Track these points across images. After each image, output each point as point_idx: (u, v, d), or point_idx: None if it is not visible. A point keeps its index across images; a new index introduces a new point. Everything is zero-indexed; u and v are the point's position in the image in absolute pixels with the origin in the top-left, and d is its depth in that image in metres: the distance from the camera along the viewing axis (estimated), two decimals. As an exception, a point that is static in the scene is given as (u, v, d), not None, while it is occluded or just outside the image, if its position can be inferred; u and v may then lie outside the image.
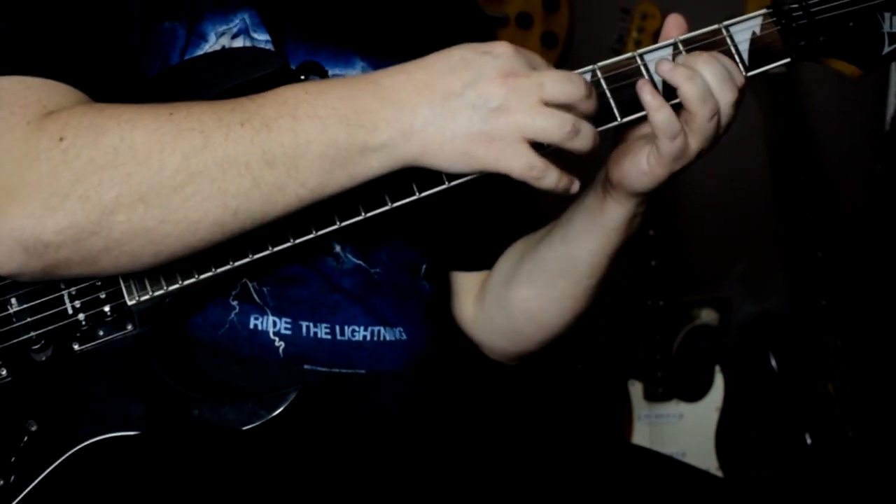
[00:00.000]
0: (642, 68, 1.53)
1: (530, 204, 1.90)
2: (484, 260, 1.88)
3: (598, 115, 1.49)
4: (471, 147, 1.38)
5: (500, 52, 1.40)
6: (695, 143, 1.52)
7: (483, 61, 1.39)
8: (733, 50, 1.55)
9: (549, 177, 1.40)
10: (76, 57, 1.46)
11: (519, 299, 1.81)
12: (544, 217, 1.86)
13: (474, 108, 1.37)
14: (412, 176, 1.47)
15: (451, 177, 1.48)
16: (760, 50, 1.57)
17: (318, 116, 1.38)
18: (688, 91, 1.48)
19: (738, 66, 1.54)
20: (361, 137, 1.38)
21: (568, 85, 1.39)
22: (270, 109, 1.39)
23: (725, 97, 1.50)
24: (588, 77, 1.51)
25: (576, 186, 1.44)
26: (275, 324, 1.58)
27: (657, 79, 1.52)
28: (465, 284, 1.90)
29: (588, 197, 1.68)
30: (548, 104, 1.38)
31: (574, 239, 1.71)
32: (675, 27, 1.56)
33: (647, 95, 1.49)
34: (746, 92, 1.54)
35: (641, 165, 1.56)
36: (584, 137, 1.40)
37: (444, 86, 1.39)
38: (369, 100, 1.39)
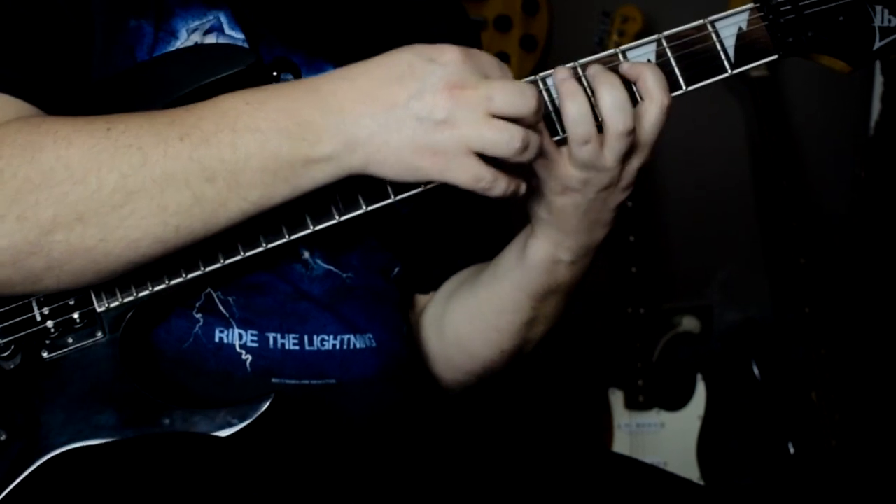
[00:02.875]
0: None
1: (493, 232, 1.88)
2: (434, 282, 1.88)
3: None
4: (416, 159, 1.38)
5: (448, 61, 1.38)
6: (610, 155, 1.50)
7: (429, 70, 1.37)
8: (719, 46, 1.55)
9: (498, 186, 1.40)
10: (22, 64, 1.46)
11: (451, 323, 1.81)
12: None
13: (419, 120, 1.36)
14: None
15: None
16: (747, 46, 1.56)
17: (259, 130, 1.38)
18: (567, 109, 1.47)
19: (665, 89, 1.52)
20: (304, 150, 1.38)
21: (518, 99, 1.38)
22: (209, 122, 1.38)
23: (615, 127, 1.48)
24: (569, 74, 1.51)
25: (523, 188, 1.44)
26: (241, 336, 1.57)
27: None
28: (417, 302, 1.90)
29: (521, 233, 1.68)
30: (496, 117, 1.37)
31: (502, 272, 1.72)
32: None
33: (561, 78, 1.49)
34: (658, 126, 1.53)
35: (553, 189, 1.56)
36: (532, 150, 1.39)
37: (389, 96, 1.38)
38: (311, 110, 1.39)
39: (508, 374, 1.85)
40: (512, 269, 1.69)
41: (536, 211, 1.59)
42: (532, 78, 1.51)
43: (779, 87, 3.98)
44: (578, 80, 1.49)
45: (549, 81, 1.51)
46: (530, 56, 3.82)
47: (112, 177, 1.36)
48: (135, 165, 1.36)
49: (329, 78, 1.42)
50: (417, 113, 1.36)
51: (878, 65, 3.95)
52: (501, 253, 1.73)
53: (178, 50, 1.57)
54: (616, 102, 1.47)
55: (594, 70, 1.50)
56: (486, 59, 1.42)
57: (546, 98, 1.50)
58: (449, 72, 1.37)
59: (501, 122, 1.37)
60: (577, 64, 1.51)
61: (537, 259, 1.65)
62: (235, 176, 1.37)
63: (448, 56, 1.38)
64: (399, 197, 1.48)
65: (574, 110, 1.47)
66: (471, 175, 1.38)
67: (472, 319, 1.77)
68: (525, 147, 1.37)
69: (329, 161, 1.39)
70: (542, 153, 1.44)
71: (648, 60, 1.54)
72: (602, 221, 1.60)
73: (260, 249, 1.50)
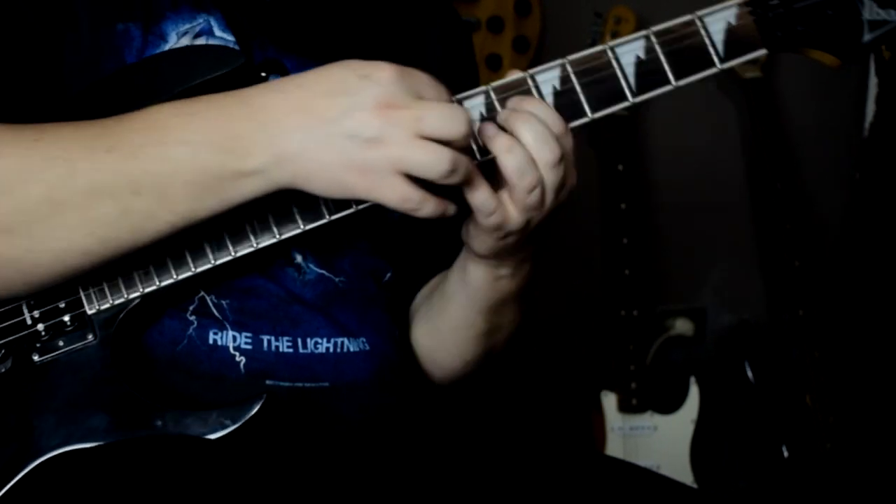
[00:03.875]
0: (613, 62, 1.53)
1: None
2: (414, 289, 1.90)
3: (569, 112, 1.51)
4: (344, 176, 1.38)
5: (381, 78, 1.38)
6: (517, 214, 1.49)
7: (361, 87, 1.37)
8: (707, 41, 1.55)
9: (426, 207, 1.40)
10: None
11: (416, 333, 1.83)
12: None
13: (349, 138, 1.36)
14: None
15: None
16: (736, 41, 1.56)
17: (188, 143, 1.38)
18: (506, 163, 1.45)
19: (557, 116, 1.50)
20: (233, 164, 1.38)
21: (448, 123, 1.38)
22: (138, 135, 1.39)
23: (544, 156, 1.46)
24: (557, 72, 1.52)
25: (451, 209, 1.43)
26: (234, 338, 1.58)
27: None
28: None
29: (461, 255, 1.69)
30: (426, 138, 1.37)
31: (449, 294, 1.73)
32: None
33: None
34: (571, 150, 1.50)
35: (470, 232, 1.56)
36: (460, 174, 1.39)
37: (320, 110, 1.38)
38: (242, 123, 1.39)
39: (501, 378, 1.86)
40: (457, 291, 1.71)
41: (468, 241, 1.59)
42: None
43: (773, 89, 3.99)
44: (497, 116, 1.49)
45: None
46: (523, 57, 3.83)
47: (38, 189, 1.37)
48: (62, 177, 1.37)
49: (262, 90, 1.42)
50: (347, 130, 1.36)
51: (872, 66, 3.95)
52: (448, 273, 1.74)
53: (165, 52, 1.58)
54: (540, 136, 1.46)
55: (505, 114, 1.49)
56: (422, 79, 1.42)
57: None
58: (381, 90, 1.37)
59: (431, 144, 1.37)
60: (565, 61, 1.52)
61: (479, 281, 1.66)
62: (163, 189, 1.38)
63: (382, 73, 1.38)
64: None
65: (512, 163, 1.45)
66: (398, 195, 1.38)
67: (431, 335, 1.80)
68: (453, 170, 1.38)
69: (258, 175, 1.39)
70: (469, 179, 1.43)
71: (637, 56, 1.54)
72: (535, 237, 1.59)
73: (250, 249, 1.51)
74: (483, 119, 1.50)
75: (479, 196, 1.46)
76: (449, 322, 1.75)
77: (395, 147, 1.36)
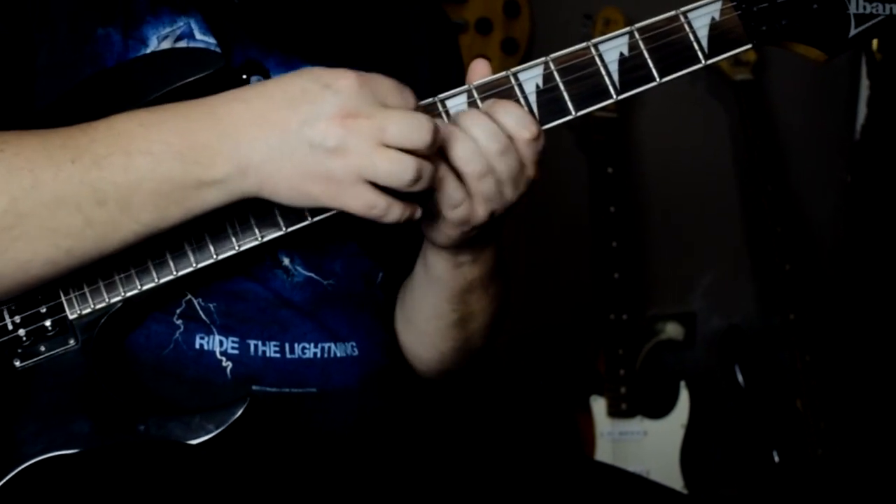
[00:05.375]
0: (596, 58, 1.54)
1: None
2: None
3: (552, 109, 1.51)
4: (308, 185, 1.39)
5: (343, 87, 1.38)
6: (480, 207, 1.49)
7: (323, 96, 1.38)
8: (692, 37, 1.56)
9: (392, 213, 1.41)
10: None
11: (398, 328, 1.83)
12: None
13: (311, 147, 1.37)
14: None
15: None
16: (720, 36, 1.57)
17: (152, 153, 1.39)
18: (453, 152, 1.46)
19: (531, 115, 1.51)
20: (197, 173, 1.39)
21: (412, 131, 1.38)
22: (101, 145, 1.39)
23: (491, 147, 1.46)
24: (540, 70, 1.52)
25: (418, 213, 1.45)
26: (221, 343, 1.58)
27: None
28: None
29: (423, 246, 1.69)
30: (390, 147, 1.38)
31: (417, 285, 1.74)
32: (478, 72, 1.55)
33: None
34: (542, 143, 1.50)
35: (432, 224, 1.56)
36: (424, 182, 1.40)
37: (282, 120, 1.38)
38: (205, 133, 1.40)
39: (490, 382, 1.86)
40: (422, 282, 1.72)
41: (427, 232, 1.60)
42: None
43: (764, 91, 4.00)
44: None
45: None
46: (511, 59, 3.83)
47: (2, 200, 1.38)
48: (25, 188, 1.38)
49: (225, 99, 1.43)
50: (310, 139, 1.37)
51: (864, 68, 3.97)
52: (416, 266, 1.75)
53: (145, 55, 1.58)
54: (487, 130, 1.47)
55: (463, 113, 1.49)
56: (386, 86, 1.42)
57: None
58: (343, 99, 1.38)
59: (394, 153, 1.38)
60: (548, 59, 1.53)
61: (440, 270, 1.66)
62: (127, 199, 1.39)
63: (343, 82, 1.39)
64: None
65: (460, 151, 1.46)
66: (363, 203, 1.39)
67: (407, 328, 1.80)
68: (417, 179, 1.39)
69: (222, 184, 1.40)
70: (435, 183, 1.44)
71: (621, 53, 1.55)
72: (495, 227, 1.60)
73: (232, 252, 1.51)
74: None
75: (448, 188, 1.47)
76: (420, 314, 1.76)
77: (357, 156, 1.37)
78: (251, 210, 1.49)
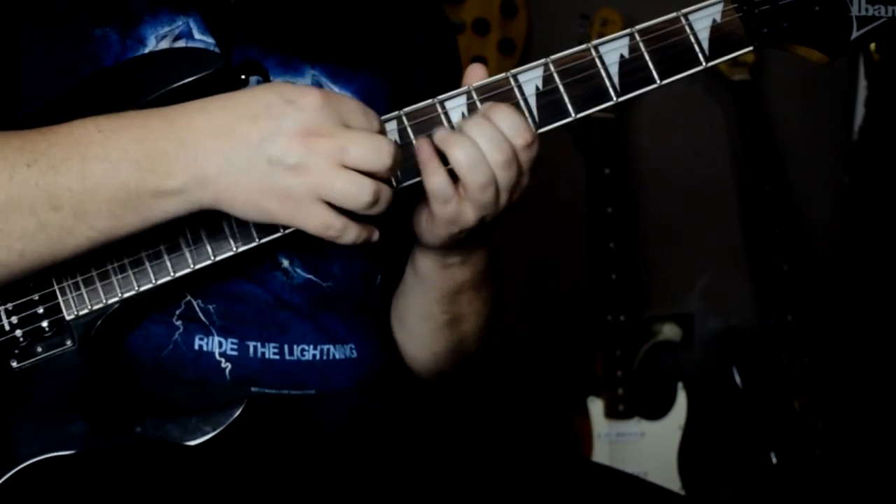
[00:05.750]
0: (597, 61, 1.54)
1: None
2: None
3: (551, 111, 1.52)
4: (264, 201, 1.39)
5: (306, 105, 1.38)
6: (471, 211, 1.50)
7: (286, 112, 1.38)
8: (693, 39, 1.56)
9: (348, 235, 1.41)
10: None
11: (393, 328, 1.83)
12: None
13: (270, 163, 1.37)
14: None
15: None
16: (721, 38, 1.57)
17: (109, 160, 1.39)
18: (457, 158, 1.46)
19: (527, 121, 1.51)
20: (153, 183, 1.39)
21: (372, 154, 1.39)
22: (59, 150, 1.40)
23: (494, 156, 1.47)
24: (540, 72, 1.52)
25: (375, 235, 1.45)
26: (220, 344, 1.58)
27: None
28: None
29: (414, 247, 1.69)
30: (349, 168, 1.38)
31: (408, 287, 1.75)
32: (474, 76, 1.55)
33: (423, 155, 1.48)
34: (535, 149, 1.50)
35: (422, 223, 1.57)
36: (382, 205, 1.41)
37: (243, 134, 1.38)
38: (164, 142, 1.39)
39: (487, 384, 1.86)
40: (412, 283, 1.72)
41: (419, 232, 1.60)
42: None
43: (761, 92, 4.00)
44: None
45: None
46: (508, 59, 3.83)
47: None
48: None
49: (187, 109, 1.42)
50: (270, 155, 1.37)
51: (861, 69, 3.97)
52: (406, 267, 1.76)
53: (143, 55, 1.58)
54: (493, 139, 1.47)
55: (461, 122, 1.50)
56: (350, 107, 1.42)
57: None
58: (306, 116, 1.38)
59: (353, 175, 1.38)
60: (548, 61, 1.53)
61: (428, 271, 1.67)
62: (83, 205, 1.39)
63: (307, 100, 1.39)
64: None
65: (463, 158, 1.46)
66: (319, 223, 1.40)
67: (401, 329, 1.80)
68: (374, 202, 1.39)
69: (179, 195, 1.40)
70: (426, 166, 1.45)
71: (621, 55, 1.55)
72: (486, 232, 1.60)
73: (230, 253, 1.51)
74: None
75: (436, 180, 1.47)
76: (411, 314, 1.76)
77: (316, 175, 1.37)
78: None
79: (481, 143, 1.46)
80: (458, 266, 1.65)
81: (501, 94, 1.53)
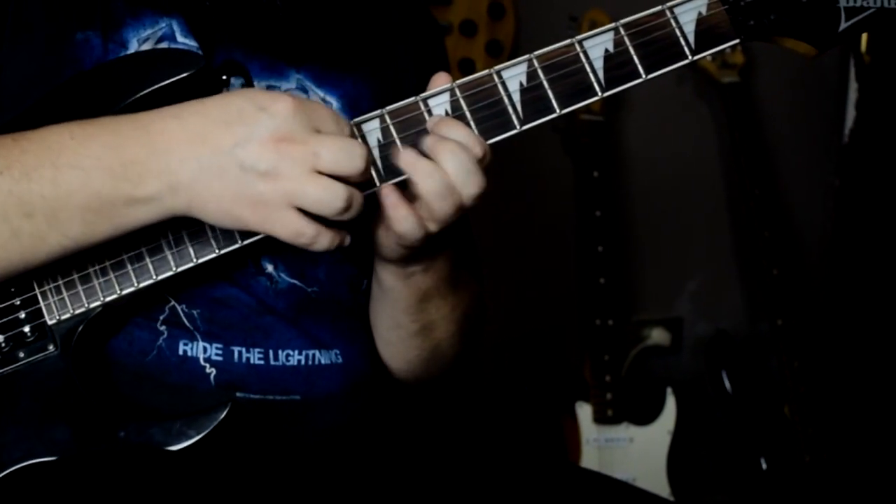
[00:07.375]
0: (581, 55, 1.54)
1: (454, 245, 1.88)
2: None
3: (536, 108, 1.52)
4: (236, 208, 1.40)
5: (278, 111, 1.39)
6: (433, 227, 1.51)
7: (258, 119, 1.39)
8: (678, 33, 1.55)
9: (320, 242, 1.42)
10: None
11: (374, 336, 1.82)
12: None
13: (242, 170, 1.38)
14: None
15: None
16: (707, 31, 1.56)
17: (81, 167, 1.39)
18: (426, 188, 1.47)
19: (475, 135, 1.51)
20: (126, 190, 1.39)
21: (344, 158, 1.39)
22: (32, 156, 1.40)
23: (468, 190, 1.48)
24: (524, 67, 1.52)
25: (347, 240, 1.45)
26: (205, 349, 1.58)
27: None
28: None
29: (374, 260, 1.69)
30: (322, 174, 1.39)
31: (375, 297, 1.74)
32: (438, 85, 1.55)
33: (387, 190, 1.49)
34: (485, 161, 1.50)
35: (380, 236, 1.56)
36: (354, 210, 1.41)
37: (215, 140, 1.39)
38: (137, 149, 1.40)
39: (474, 389, 1.86)
40: (378, 295, 1.72)
41: (375, 245, 1.60)
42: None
43: (751, 94, 4.00)
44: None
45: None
46: (496, 61, 3.80)
47: None
48: None
49: (160, 115, 1.43)
50: (242, 161, 1.38)
51: (852, 71, 3.98)
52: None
53: (123, 56, 1.58)
54: (463, 167, 1.48)
55: (431, 140, 1.49)
56: (322, 113, 1.43)
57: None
58: (278, 122, 1.38)
59: (325, 180, 1.39)
60: (532, 56, 1.53)
61: (391, 282, 1.66)
62: (55, 212, 1.39)
63: (279, 106, 1.39)
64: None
65: (432, 188, 1.47)
66: (292, 230, 1.40)
67: (377, 336, 1.79)
68: (347, 207, 1.40)
69: (152, 202, 1.40)
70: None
71: (606, 50, 1.55)
72: (444, 239, 1.60)
73: (213, 255, 1.51)
74: (404, 146, 1.50)
75: (397, 212, 1.48)
76: (381, 324, 1.76)
77: (288, 182, 1.38)
78: None
79: (451, 170, 1.47)
80: (421, 274, 1.65)
81: (485, 90, 1.53)
